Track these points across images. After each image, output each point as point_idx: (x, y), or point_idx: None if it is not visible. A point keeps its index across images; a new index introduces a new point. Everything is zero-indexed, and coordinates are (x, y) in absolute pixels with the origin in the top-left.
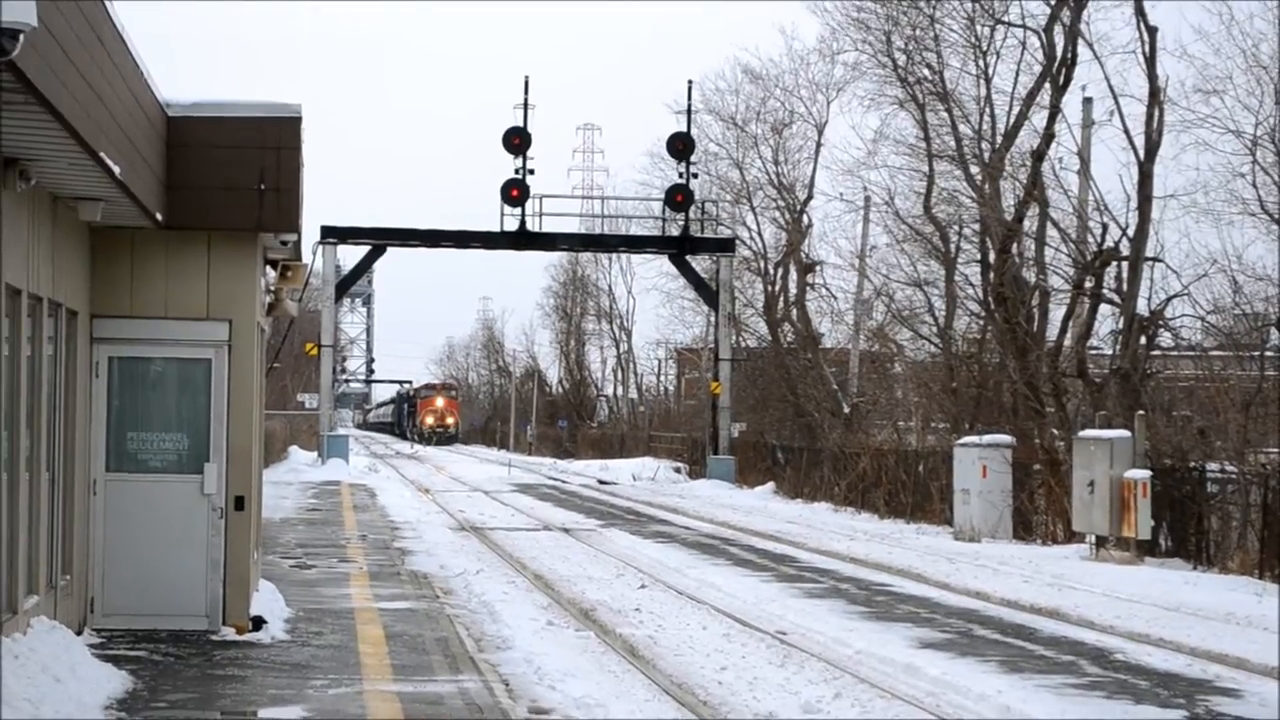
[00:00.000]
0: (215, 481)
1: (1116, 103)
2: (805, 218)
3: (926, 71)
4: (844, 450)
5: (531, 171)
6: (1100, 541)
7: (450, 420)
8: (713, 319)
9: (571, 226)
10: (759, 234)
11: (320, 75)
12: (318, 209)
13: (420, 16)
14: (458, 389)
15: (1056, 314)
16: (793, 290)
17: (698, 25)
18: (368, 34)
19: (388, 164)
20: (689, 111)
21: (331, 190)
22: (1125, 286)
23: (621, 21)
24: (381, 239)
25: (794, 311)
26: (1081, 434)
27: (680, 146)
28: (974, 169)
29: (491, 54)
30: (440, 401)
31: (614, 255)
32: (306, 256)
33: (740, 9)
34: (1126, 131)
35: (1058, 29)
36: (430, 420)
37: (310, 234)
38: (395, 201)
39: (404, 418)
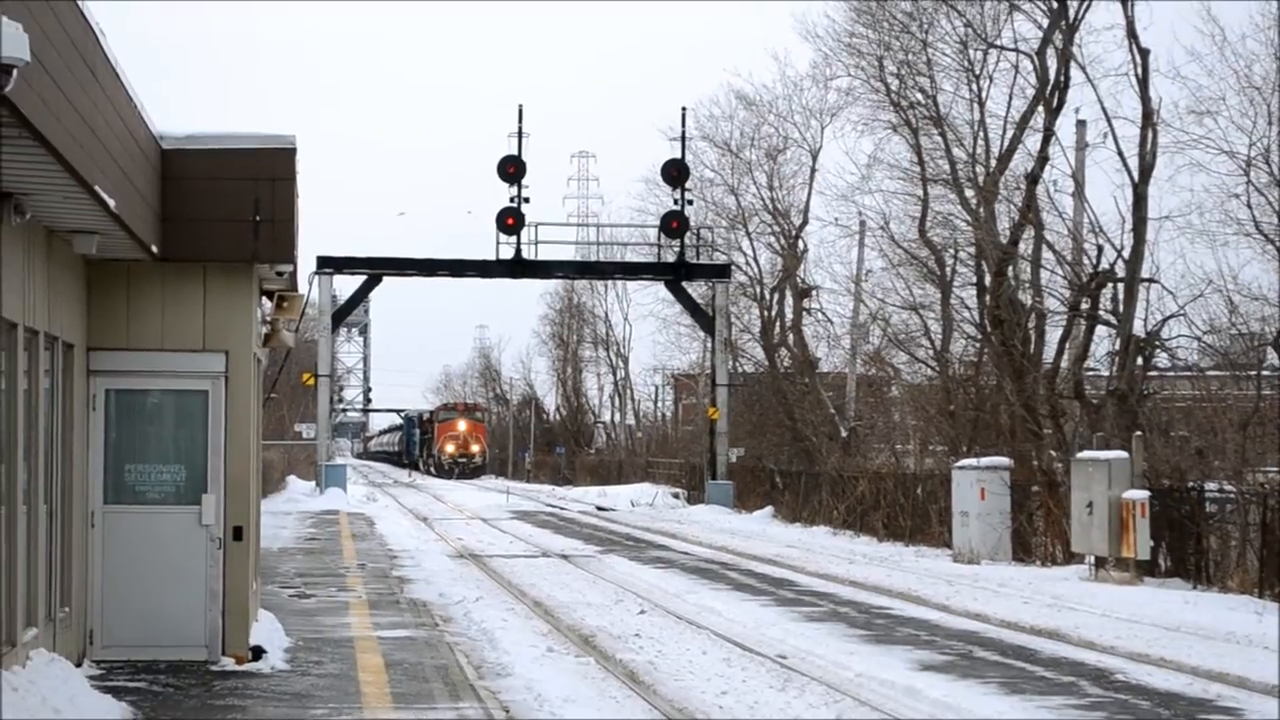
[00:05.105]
0: (213, 512)
1: (1110, 125)
2: (801, 243)
3: (920, 96)
4: (842, 474)
5: (527, 200)
6: (1099, 562)
7: (475, 448)
8: (709, 345)
9: (567, 254)
10: (755, 259)
11: (316, 106)
12: (313, 239)
13: (415, 49)
14: (484, 411)
15: (1053, 336)
16: (789, 315)
17: (692, 52)
18: (365, 66)
19: (384, 194)
20: (684, 138)
21: (327, 220)
22: (1121, 308)
23: (616, 49)
24: (377, 268)
25: (790, 336)
26: (1079, 455)
27: (675, 173)
28: (969, 192)
29: (486, 85)
30: (463, 425)
31: (610, 282)
32: (303, 287)
33: (734, 36)
34: (1120, 154)
35: (1050, 52)
36: (451, 448)
37: (306, 264)
38: (391, 231)
39: (415, 445)
